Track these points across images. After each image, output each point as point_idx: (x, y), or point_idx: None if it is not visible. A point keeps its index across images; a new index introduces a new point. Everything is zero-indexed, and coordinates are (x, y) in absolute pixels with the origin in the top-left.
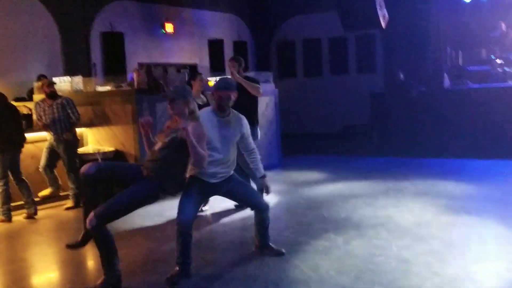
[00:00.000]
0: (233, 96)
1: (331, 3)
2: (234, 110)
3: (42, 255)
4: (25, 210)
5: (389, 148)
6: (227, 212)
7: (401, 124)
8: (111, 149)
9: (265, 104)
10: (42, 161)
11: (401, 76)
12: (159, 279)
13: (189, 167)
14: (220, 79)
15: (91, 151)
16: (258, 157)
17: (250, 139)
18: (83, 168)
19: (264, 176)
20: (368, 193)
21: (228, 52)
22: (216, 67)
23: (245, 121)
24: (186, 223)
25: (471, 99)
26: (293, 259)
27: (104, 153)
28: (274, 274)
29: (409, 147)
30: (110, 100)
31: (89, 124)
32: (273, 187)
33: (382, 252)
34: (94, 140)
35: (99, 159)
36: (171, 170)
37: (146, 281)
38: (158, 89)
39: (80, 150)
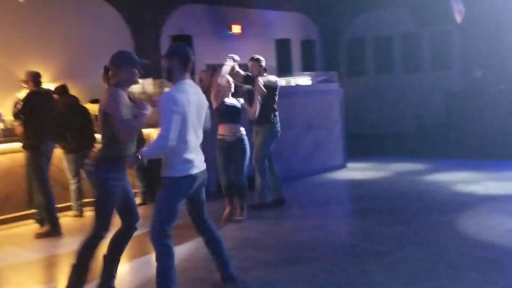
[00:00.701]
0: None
1: None
2: None
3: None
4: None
5: (465, 149)
6: (281, 214)
7: (479, 124)
8: None
9: (329, 104)
10: None
11: (478, 73)
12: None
13: None
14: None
15: None
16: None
17: None
18: None
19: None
20: (434, 196)
21: (296, 51)
22: (283, 67)
23: None
24: None
25: None
26: (344, 263)
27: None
28: (322, 276)
29: (486, 149)
30: None
31: (155, 125)
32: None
33: (437, 258)
34: None
35: None
36: None
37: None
38: None
39: None
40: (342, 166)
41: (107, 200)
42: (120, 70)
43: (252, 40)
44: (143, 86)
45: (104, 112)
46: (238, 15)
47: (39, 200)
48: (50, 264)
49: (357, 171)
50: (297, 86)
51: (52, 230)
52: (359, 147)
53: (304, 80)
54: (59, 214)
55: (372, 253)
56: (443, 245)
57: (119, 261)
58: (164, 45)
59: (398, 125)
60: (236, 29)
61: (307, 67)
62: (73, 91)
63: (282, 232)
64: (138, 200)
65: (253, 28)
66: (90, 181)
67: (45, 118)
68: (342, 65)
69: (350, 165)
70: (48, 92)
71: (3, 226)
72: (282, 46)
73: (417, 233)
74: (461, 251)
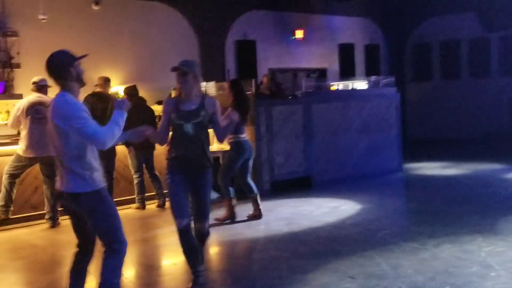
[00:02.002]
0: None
1: (470, 3)
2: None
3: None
4: (156, 201)
5: None
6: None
7: None
8: None
9: (385, 108)
10: None
11: None
12: None
13: None
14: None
15: (215, 149)
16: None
17: None
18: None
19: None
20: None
21: (359, 56)
22: (346, 72)
23: None
24: None
25: None
26: (378, 257)
27: (226, 151)
28: (354, 269)
29: None
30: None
31: None
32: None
33: (469, 256)
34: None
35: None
36: None
37: None
38: (280, 94)
39: None
40: (397, 169)
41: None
42: None
43: (315, 45)
44: (205, 88)
45: None
46: (302, 20)
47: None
48: None
49: (415, 172)
50: (353, 90)
51: None
52: (423, 150)
53: (361, 84)
54: (124, 207)
55: (406, 248)
56: None
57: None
58: (229, 49)
59: (464, 130)
60: (299, 34)
61: (371, 72)
62: (141, 92)
63: (324, 229)
64: None
65: (317, 33)
66: None
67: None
68: (408, 69)
69: (411, 165)
70: (107, 95)
71: None
72: (346, 51)
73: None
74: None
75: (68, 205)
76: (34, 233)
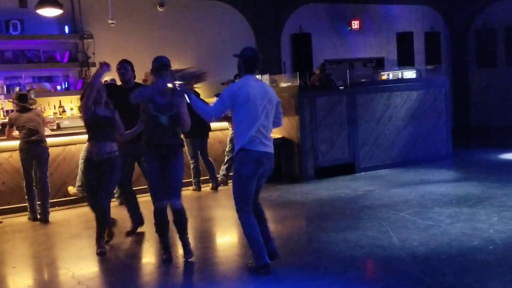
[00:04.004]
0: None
1: None
2: None
3: (221, 217)
4: (210, 184)
5: None
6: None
7: None
8: (279, 136)
9: (433, 96)
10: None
11: None
12: None
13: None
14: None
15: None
16: None
17: None
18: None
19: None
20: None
21: (419, 44)
22: (405, 61)
23: None
24: None
25: None
26: (392, 232)
27: (274, 139)
28: (365, 240)
29: None
30: (279, 96)
31: None
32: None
33: (476, 232)
34: None
35: None
36: None
37: None
38: (329, 85)
39: None
40: (446, 156)
41: None
42: None
43: (372, 35)
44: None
45: None
46: (358, 11)
47: None
48: None
49: (468, 158)
50: (400, 79)
51: None
52: (484, 137)
53: (410, 73)
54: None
55: (421, 225)
56: None
57: None
58: (284, 42)
59: None
60: (355, 24)
61: (431, 59)
62: (201, 86)
63: (352, 208)
64: None
65: (373, 23)
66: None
67: None
68: (471, 56)
69: (467, 152)
70: None
71: None
72: (404, 39)
73: None
74: None
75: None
76: None
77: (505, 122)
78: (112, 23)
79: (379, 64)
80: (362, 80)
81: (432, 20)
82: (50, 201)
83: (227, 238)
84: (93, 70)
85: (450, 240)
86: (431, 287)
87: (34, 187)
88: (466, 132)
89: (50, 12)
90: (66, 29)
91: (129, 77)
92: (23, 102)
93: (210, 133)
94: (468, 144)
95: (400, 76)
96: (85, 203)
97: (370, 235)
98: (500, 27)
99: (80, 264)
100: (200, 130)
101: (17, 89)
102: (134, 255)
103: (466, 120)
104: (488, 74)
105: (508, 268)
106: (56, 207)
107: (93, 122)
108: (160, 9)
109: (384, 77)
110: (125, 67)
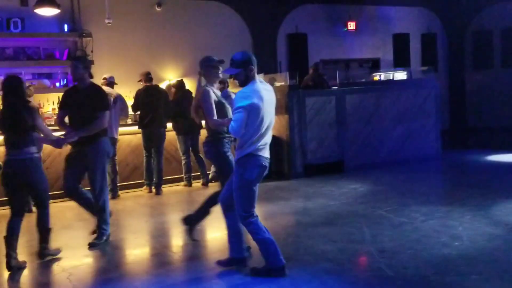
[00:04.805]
0: None
1: None
2: None
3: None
4: (201, 180)
5: None
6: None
7: None
8: None
9: (423, 98)
10: None
11: None
12: None
13: None
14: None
15: None
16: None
17: None
18: None
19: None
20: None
21: (415, 45)
22: (401, 62)
23: None
24: None
25: None
26: (365, 228)
27: None
28: (339, 236)
29: None
30: None
31: None
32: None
33: (445, 229)
34: None
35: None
36: None
37: None
38: (322, 85)
39: None
40: (435, 157)
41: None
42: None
43: (368, 36)
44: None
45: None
46: (354, 12)
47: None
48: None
49: (457, 159)
50: (389, 80)
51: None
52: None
53: (400, 74)
54: (175, 184)
55: (395, 222)
56: None
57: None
58: (281, 42)
59: None
60: (351, 26)
61: (427, 61)
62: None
63: (333, 205)
64: None
65: (370, 24)
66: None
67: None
68: (467, 58)
69: (458, 154)
70: (155, 87)
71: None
72: (400, 41)
73: None
74: None
75: None
76: None
77: (502, 123)
78: (109, 23)
79: (375, 65)
80: (357, 80)
81: (428, 21)
82: None
83: (213, 233)
84: (92, 69)
85: (419, 236)
86: (391, 279)
87: None
88: (462, 133)
89: (48, 11)
90: (66, 27)
91: (79, 75)
92: None
93: (201, 131)
94: (461, 145)
95: (391, 77)
96: None
97: (345, 230)
98: (496, 29)
99: (67, 253)
100: (192, 127)
101: None
102: (118, 247)
103: (463, 121)
104: (484, 76)
105: (466, 262)
106: (51, 200)
107: None
108: (158, 9)
109: (376, 78)
110: (74, 65)
